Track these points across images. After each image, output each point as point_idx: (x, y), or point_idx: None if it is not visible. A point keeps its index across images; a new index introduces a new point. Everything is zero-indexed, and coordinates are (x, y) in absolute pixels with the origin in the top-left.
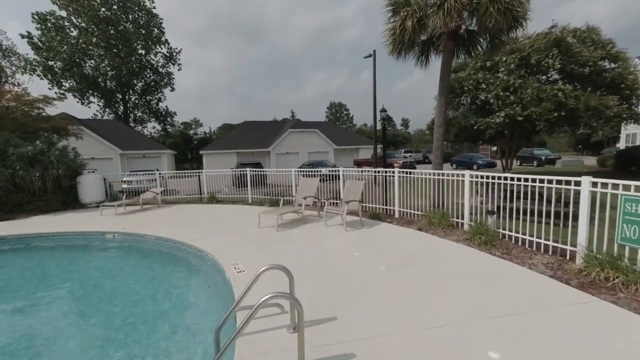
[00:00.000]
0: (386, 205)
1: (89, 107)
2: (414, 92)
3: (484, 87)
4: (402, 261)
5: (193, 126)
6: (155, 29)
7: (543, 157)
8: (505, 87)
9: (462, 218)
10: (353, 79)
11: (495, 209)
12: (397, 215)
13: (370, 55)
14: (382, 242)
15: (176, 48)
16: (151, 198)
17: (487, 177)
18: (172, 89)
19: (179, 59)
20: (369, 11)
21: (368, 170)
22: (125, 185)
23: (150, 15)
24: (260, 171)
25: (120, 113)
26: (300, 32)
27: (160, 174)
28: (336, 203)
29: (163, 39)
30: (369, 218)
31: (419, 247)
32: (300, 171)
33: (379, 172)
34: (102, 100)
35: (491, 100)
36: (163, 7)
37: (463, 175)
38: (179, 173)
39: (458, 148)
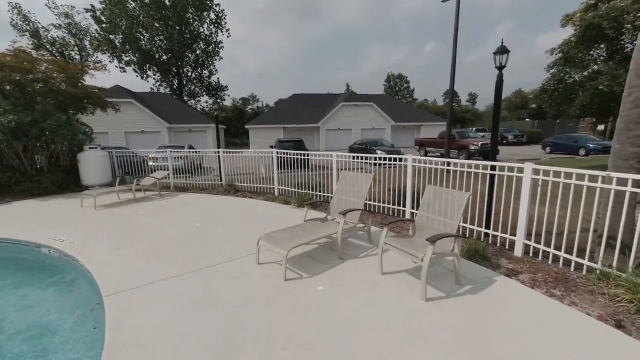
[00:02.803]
0: (494, 230)
1: (148, 82)
2: (484, 66)
3: None
4: None
5: (251, 102)
6: None
7: None
8: None
9: None
10: (415, 54)
11: None
12: (520, 252)
13: None
14: None
15: (221, 10)
16: (151, 185)
17: None
18: (220, 58)
19: (226, 24)
20: None
21: (458, 164)
22: (152, 163)
23: None
24: (287, 154)
25: (175, 87)
26: (358, 5)
27: (192, 150)
28: (401, 212)
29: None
30: (464, 257)
31: None
32: (344, 156)
33: (487, 167)
34: (158, 74)
35: None
36: None
37: None
38: (204, 152)
39: (560, 125)
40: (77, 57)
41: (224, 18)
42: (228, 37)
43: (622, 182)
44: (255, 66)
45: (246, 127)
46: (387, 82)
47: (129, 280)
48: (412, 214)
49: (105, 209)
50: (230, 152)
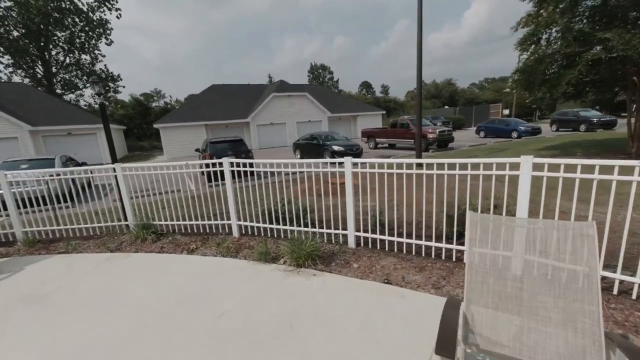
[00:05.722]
0: None
1: None
2: (390, 57)
3: None
4: None
5: (155, 97)
6: None
7: (595, 120)
8: None
9: None
10: (326, 46)
11: None
12: None
13: None
14: None
15: None
16: None
17: None
18: (109, 42)
19: (117, 2)
20: None
21: None
22: None
23: None
24: (249, 166)
25: (39, 76)
26: None
27: (58, 170)
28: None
29: None
30: None
31: None
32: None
33: None
34: (6, 57)
35: None
36: None
37: None
38: (82, 170)
39: (475, 110)
40: None
41: None
42: (118, 17)
43: None
44: (156, 57)
45: (155, 126)
46: (310, 73)
47: None
48: None
49: None
50: (136, 170)
